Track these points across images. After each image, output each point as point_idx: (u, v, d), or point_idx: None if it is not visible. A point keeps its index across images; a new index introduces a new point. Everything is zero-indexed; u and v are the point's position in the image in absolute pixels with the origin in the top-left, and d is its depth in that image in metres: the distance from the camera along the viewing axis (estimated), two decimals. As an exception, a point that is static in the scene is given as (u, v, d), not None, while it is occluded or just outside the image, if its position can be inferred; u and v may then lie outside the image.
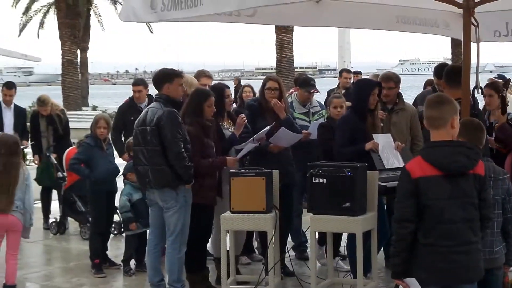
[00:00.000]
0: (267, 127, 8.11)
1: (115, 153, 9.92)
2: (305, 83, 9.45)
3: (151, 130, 7.35)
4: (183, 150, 7.29)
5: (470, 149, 4.92)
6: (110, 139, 9.53)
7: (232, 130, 8.26)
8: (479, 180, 4.93)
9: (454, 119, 4.98)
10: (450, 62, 18.75)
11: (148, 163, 7.39)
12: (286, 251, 8.34)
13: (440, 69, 8.34)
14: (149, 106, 7.63)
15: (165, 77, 7.56)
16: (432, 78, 10.35)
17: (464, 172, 4.86)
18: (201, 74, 9.46)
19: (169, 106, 7.40)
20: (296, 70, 33.86)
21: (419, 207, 4.86)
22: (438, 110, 4.96)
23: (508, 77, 9.99)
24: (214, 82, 9.31)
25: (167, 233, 7.48)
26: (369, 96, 7.69)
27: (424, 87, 11.55)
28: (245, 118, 8.17)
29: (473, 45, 7.02)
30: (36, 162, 11.64)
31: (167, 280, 7.55)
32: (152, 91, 10.80)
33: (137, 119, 7.67)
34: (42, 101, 11.55)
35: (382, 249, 8.22)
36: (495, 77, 11.37)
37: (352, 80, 14.13)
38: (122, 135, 10.48)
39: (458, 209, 4.85)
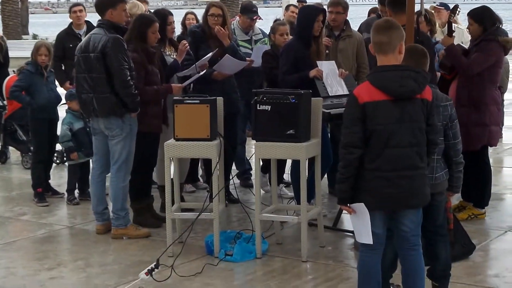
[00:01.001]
0: (210, 54, 8.04)
1: (57, 82, 9.75)
2: (247, 9, 9.37)
3: (95, 57, 7.20)
4: (129, 78, 7.18)
5: (418, 73, 4.91)
6: (52, 67, 9.35)
7: (174, 57, 8.16)
8: (427, 105, 4.93)
9: (402, 45, 4.97)
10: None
11: (93, 91, 7.26)
12: (231, 178, 8.35)
13: None
14: (91, 32, 7.46)
15: (108, 2, 7.38)
16: (377, 6, 10.33)
17: (412, 96, 4.87)
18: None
19: (113, 32, 7.26)
20: (240, -1, 33.58)
21: (366, 132, 4.85)
22: (386, 35, 4.92)
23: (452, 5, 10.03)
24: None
25: (111, 161, 7.42)
26: (313, 23, 7.63)
27: (368, 15, 11.50)
28: (187, 44, 8.10)
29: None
30: None
31: (111, 208, 7.51)
32: (91, 18, 10.67)
33: (79, 45, 7.50)
34: None
35: (325, 175, 8.30)
36: (437, 5, 11.38)
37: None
38: (62, 64, 10.31)
39: (405, 134, 4.86)
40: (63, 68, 10.30)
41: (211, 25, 8.30)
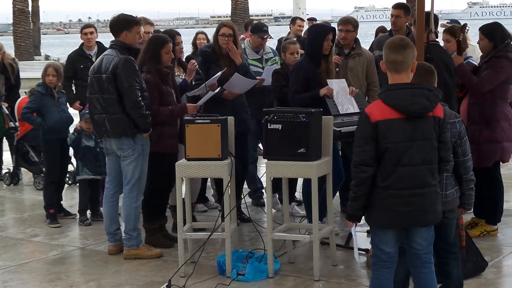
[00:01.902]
0: (219, 73, 8.05)
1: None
2: (258, 29, 9.39)
3: (107, 78, 7.22)
4: (140, 98, 7.19)
5: (430, 91, 4.92)
6: (62, 88, 9.40)
7: (182, 77, 8.18)
8: (438, 122, 4.94)
9: (414, 64, 4.99)
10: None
11: (105, 111, 7.28)
12: (242, 197, 8.34)
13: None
14: (104, 53, 7.48)
15: (124, 23, 7.40)
16: (383, 25, 10.36)
17: (424, 114, 4.87)
18: (143, 22, 9.34)
19: (125, 54, 7.28)
20: (251, 17, 33.68)
21: (379, 150, 4.86)
22: (402, 54, 4.93)
23: (458, 22, 10.04)
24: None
25: (124, 181, 7.42)
26: (323, 42, 7.64)
27: (376, 35, 11.53)
28: (196, 63, 8.11)
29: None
30: None
31: (123, 229, 7.51)
32: (102, 39, 10.72)
33: (92, 66, 7.53)
34: None
35: (337, 193, 8.28)
36: (447, 23, 11.39)
37: (306, 28, 14.00)
38: (73, 84, 10.36)
39: (418, 151, 4.86)
40: (73, 88, 10.34)
41: (221, 45, 8.32)
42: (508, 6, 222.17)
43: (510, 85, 7.81)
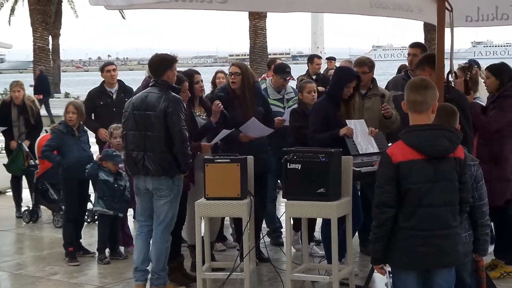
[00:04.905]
0: (228, 131, 7.96)
1: (93, 139, 9.81)
2: (281, 70, 9.41)
3: (155, 116, 7.15)
4: (188, 139, 7.20)
5: (451, 132, 4.94)
6: (84, 126, 9.42)
7: (204, 117, 8.19)
8: (460, 163, 4.95)
9: (435, 105, 5.01)
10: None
11: (148, 149, 7.19)
12: (261, 237, 8.33)
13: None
14: (146, 91, 7.37)
15: (166, 63, 7.37)
16: (405, 63, 10.36)
17: (445, 155, 4.87)
18: None
19: (170, 93, 7.25)
20: (269, 56, 33.80)
21: (400, 191, 4.86)
22: (422, 94, 4.96)
23: (477, 62, 10.07)
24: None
25: (156, 221, 7.31)
26: (344, 87, 7.66)
27: (398, 72, 11.54)
28: (220, 104, 8.06)
29: (447, 30, 7.01)
30: (12, 146, 11.41)
31: (152, 268, 7.43)
32: (119, 76, 10.82)
33: (129, 102, 7.44)
34: (16, 82, 11.44)
35: (356, 234, 8.24)
36: (465, 63, 11.42)
37: (323, 66, 14.08)
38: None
39: (440, 193, 4.86)
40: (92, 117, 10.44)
41: (231, 84, 8.33)
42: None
43: None
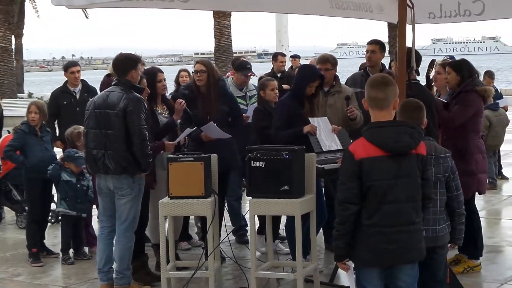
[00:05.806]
0: (190, 130, 7.96)
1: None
2: (242, 67, 9.46)
3: (115, 115, 7.12)
4: (147, 138, 7.17)
5: (413, 128, 4.96)
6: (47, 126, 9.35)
7: (166, 115, 8.17)
8: (422, 159, 4.98)
9: (396, 101, 5.03)
10: (386, 45, 18.83)
11: (106, 147, 7.17)
12: (226, 235, 8.30)
13: None
14: (108, 89, 7.35)
15: (131, 63, 7.35)
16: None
17: (407, 151, 4.90)
18: None
19: (132, 92, 7.23)
20: (234, 54, 33.80)
21: (363, 188, 4.87)
22: (383, 91, 4.97)
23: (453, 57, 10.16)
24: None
25: (119, 221, 7.29)
26: (306, 86, 7.68)
27: (360, 70, 11.58)
28: (183, 102, 8.05)
29: (408, 27, 7.06)
30: None
31: (115, 267, 7.41)
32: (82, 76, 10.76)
33: (92, 101, 7.41)
34: None
35: (321, 230, 8.27)
36: (445, 58, 11.51)
37: (288, 64, 14.08)
38: (56, 122, 10.33)
39: (402, 189, 4.88)
40: (56, 126, 10.32)
41: (196, 82, 8.32)
42: (472, 42, 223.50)
43: (481, 118, 8.02)
